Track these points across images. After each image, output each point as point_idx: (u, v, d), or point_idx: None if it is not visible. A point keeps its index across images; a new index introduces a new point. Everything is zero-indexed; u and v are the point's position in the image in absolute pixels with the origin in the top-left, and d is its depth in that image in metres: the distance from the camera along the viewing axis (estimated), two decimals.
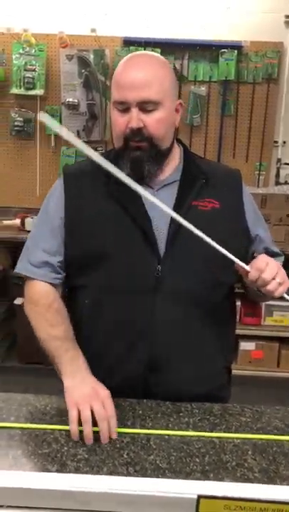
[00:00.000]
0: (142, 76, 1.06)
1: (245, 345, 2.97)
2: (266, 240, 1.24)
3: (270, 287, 1.01)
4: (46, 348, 1.10)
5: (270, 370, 2.96)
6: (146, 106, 1.06)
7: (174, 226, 1.09)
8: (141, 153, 1.08)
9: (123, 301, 1.10)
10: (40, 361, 3.14)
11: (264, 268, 1.01)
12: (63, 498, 0.77)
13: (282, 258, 1.26)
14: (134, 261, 1.10)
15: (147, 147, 1.08)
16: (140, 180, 1.09)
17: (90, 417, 0.94)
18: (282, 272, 1.04)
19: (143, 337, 1.09)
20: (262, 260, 1.03)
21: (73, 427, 0.94)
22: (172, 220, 1.09)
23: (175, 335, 1.10)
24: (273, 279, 1.01)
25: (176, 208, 1.10)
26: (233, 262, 1.04)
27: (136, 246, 1.09)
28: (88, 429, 0.93)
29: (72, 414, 0.95)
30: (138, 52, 1.20)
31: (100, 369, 1.09)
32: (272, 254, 1.21)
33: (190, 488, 0.74)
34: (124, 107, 1.07)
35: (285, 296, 1.03)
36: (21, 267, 1.18)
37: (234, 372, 1.26)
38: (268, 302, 2.84)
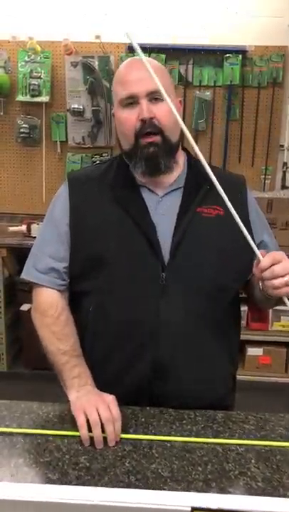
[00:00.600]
0: (146, 71, 1.06)
1: (253, 351, 2.95)
2: (271, 246, 1.21)
3: (276, 282, 0.94)
4: (53, 361, 1.11)
5: (278, 376, 2.93)
6: (155, 95, 1.06)
7: (179, 234, 1.08)
8: (155, 149, 1.08)
9: (127, 306, 1.09)
10: (46, 367, 3.15)
11: (279, 260, 0.94)
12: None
13: None
14: (137, 268, 1.09)
15: (160, 141, 1.08)
16: (157, 175, 1.11)
17: (99, 419, 0.94)
18: None
19: (148, 344, 1.08)
20: (279, 254, 0.97)
21: (83, 432, 0.94)
22: (177, 228, 1.09)
23: (180, 341, 1.09)
24: (282, 276, 0.94)
25: (181, 215, 1.10)
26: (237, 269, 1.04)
27: (139, 253, 1.09)
28: (98, 433, 0.93)
29: (80, 419, 0.95)
30: (135, 57, 1.21)
31: (104, 375, 1.10)
32: None
33: (183, 500, 0.72)
34: (132, 101, 1.07)
35: (285, 299, 0.98)
36: (28, 273, 1.18)
37: (241, 377, 1.25)
38: (275, 307, 2.86)
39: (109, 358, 1.12)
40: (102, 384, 1.07)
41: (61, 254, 1.14)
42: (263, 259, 0.95)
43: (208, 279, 1.09)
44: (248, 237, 0.95)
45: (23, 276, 1.19)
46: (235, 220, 1.15)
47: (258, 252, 0.96)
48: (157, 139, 1.08)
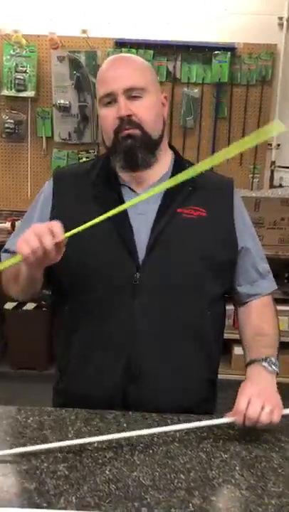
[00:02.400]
0: (125, 68, 1.07)
1: (240, 350, 2.90)
2: (255, 254, 1.18)
3: (263, 419, 0.92)
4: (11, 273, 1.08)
5: None
6: (132, 93, 1.05)
7: (155, 234, 1.06)
8: (132, 141, 1.06)
9: (101, 309, 1.07)
10: (32, 367, 3.12)
11: (245, 409, 0.92)
12: None
13: (271, 275, 1.21)
14: (111, 266, 1.07)
15: (138, 134, 1.06)
16: (135, 169, 1.09)
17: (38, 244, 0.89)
18: (271, 397, 0.96)
19: (121, 347, 1.06)
20: (241, 401, 0.94)
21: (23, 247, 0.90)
22: (153, 229, 1.07)
23: (153, 345, 1.06)
24: (262, 408, 0.92)
25: (160, 214, 1.08)
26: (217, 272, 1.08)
27: (115, 252, 1.07)
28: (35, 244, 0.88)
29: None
30: (120, 54, 1.19)
31: (80, 380, 1.09)
32: (262, 273, 1.18)
33: None
34: (111, 99, 1.06)
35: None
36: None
37: (228, 377, 1.24)
38: None
39: (84, 360, 1.09)
40: (78, 387, 1.08)
41: None
42: (236, 420, 0.94)
43: (182, 281, 1.07)
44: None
45: None
46: (219, 221, 1.13)
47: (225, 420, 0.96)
48: (136, 131, 1.06)
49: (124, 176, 1.12)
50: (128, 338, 1.05)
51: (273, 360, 1.05)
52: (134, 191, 1.12)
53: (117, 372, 1.06)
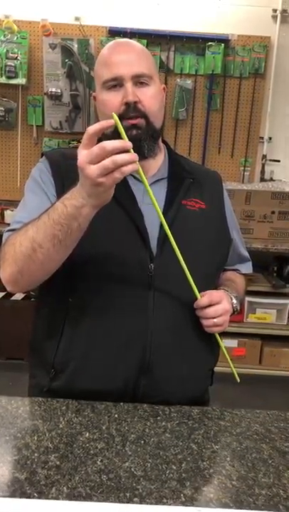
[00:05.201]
0: (132, 52, 1.05)
1: (227, 343, 2.95)
2: (239, 243, 1.25)
3: (206, 322, 1.04)
4: (33, 234, 0.93)
5: (252, 368, 2.95)
6: (140, 79, 1.03)
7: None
8: (138, 131, 1.03)
9: (115, 300, 1.03)
10: (20, 357, 3.11)
11: (216, 302, 1.03)
12: None
13: (250, 263, 1.30)
14: (126, 255, 1.03)
15: (144, 124, 1.04)
16: (141, 159, 1.00)
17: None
18: (226, 317, 1.06)
19: (136, 339, 1.03)
20: (218, 295, 1.05)
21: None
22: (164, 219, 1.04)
23: (167, 337, 1.05)
24: (213, 318, 1.03)
25: (167, 206, 1.07)
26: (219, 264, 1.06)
27: (128, 240, 1.03)
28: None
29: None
30: (122, 39, 1.17)
31: (86, 375, 1.04)
32: (243, 259, 1.28)
33: None
34: (116, 83, 1.03)
35: (217, 336, 1.09)
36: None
37: (216, 369, 1.24)
38: (250, 299, 2.87)
39: (94, 354, 1.05)
40: (83, 382, 1.03)
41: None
42: (202, 298, 1.03)
43: (196, 272, 1.03)
44: (191, 281, 1.00)
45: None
46: (215, 213, 1.15)
47: (197, 293, 1.02)
48: (141, 121, 1.04)
49: None
50: (143, 330, 1.03)
51: (236, 301, 1.12)
52: (138, 180, 1.08)
53: (131, 365, 1.03)
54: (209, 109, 3.11)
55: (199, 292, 1.04)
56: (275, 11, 3.01)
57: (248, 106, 3.11)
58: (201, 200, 1.11)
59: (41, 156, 1.15)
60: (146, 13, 2.97)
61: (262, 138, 3.19)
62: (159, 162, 1.13)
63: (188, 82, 3.07)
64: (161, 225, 1.01)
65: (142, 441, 0.92)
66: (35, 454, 0.87)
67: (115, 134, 0.87)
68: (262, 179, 3.20)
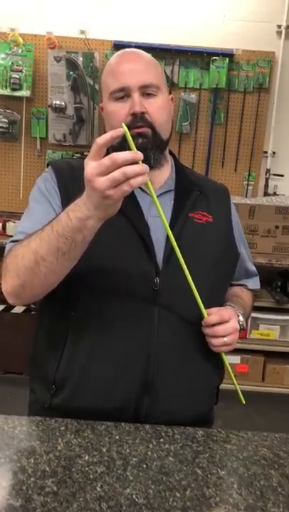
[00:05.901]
0: (140, 62, 1.04)
1: (230, 359, 2.88)
2: (246, 257, 1.23)
3: (214, 341, 0.99)
4: (36, 246, 0.90)
5: (255, 385, 2.89)
6: (147, 90, 1.01)
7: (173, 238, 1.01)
8: (144, 140, 1.01)
9: (119, 315, 0.99)
10: (19, 371, 3.05)
11: (225, 320, 0.99)
12: None
13: (257, 278, 1.27)
14: (130, 267, 0.99)
15: (150, 134, 1.01)
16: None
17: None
18: (236, 336, 1.02)
19: (140, 356, 0.99)
20: (228, 313, 1.01)
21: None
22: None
23: (172, 354, 1.01)
24: (223, 336, 0.99)
25: (174, 219, 1.04)
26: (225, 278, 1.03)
27: (133, 253, 1.00)
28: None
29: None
30: (130, 49, 1.14)
31: (86, 393, 1.00)
32: (250, 274, 1.25)
33: None
34: (124, 94, 1.01)
35: (223, 356, 1.05)
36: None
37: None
38: (253, 315, 2.82)
39: (95, 369, 1.00)
40: (83, 400, 0.99)
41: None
42: (211, 316, 0.99)
43: (202, 286, 0.99)
44: (197, 297, 0.97)
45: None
46: (223, 227, 1.12)
47: (204, 310, 0.99)
48: (147, 130, 1.01)
49: None
50: (147, 346, 0.99)
51: (242, 318, 1.07)
52: (144, 191, 1.05)
53: (134, 382, 0.99)
54: (213, 123, 3.10)
55: (206, 308, 1.00)
56: (279, 26, 3.03)
57: (252, 120, 3.11)
58: (208, 213, 1.09)
59: (47, 166, 1.13)
60: (151, 27, 2.98)
61: (266, 152, 3.17)
62: (165, 174, 1.11)
63: (193, 96, 3.07)
64: (168, 238, 0.98)
65: (144, 466, 0.87)
66: (32, 479, 0.82)
67: (122, 145, 0.85)
68: (265, 193, 3.17)
